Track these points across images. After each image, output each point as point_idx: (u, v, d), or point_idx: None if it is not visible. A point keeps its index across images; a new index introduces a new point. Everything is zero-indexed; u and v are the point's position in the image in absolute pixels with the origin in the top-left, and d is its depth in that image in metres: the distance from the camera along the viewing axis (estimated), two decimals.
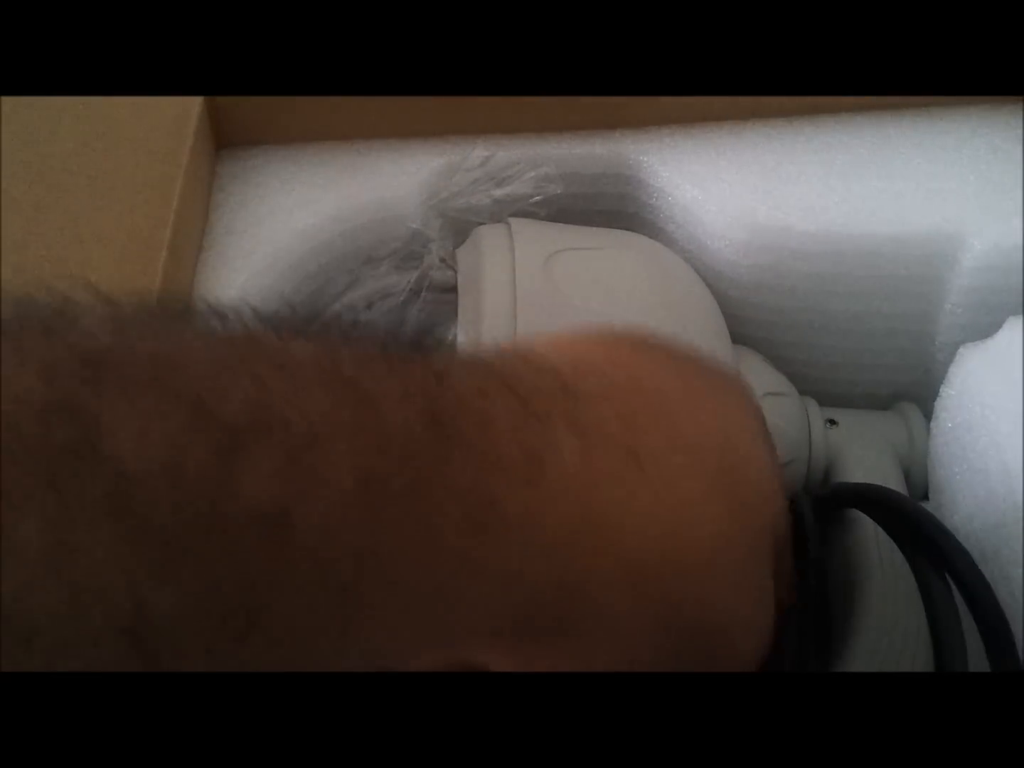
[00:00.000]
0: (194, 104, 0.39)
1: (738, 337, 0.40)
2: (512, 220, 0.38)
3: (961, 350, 0.36)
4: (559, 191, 0.41)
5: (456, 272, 0.37)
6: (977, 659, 0.27)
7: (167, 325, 0.17)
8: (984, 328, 0.36)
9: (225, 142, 0.42)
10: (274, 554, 0.15)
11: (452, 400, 0.17)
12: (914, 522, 0.30)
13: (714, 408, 0.22)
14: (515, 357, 0.20)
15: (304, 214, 0.40)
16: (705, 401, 0.22)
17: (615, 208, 0.44)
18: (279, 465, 0.15)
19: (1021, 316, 0.35)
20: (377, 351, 0.18)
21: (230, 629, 0.15)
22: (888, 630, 0.31)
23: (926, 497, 0.38)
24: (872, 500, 0.32)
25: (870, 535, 0.33)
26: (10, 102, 0.36)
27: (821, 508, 0.33)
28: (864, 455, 0.39)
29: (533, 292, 0.34)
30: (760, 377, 0.39)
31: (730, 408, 0.23)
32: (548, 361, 0.20)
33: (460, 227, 0.41)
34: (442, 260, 0.38)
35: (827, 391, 0.42)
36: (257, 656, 0.15)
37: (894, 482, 0.38)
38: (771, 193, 0.39)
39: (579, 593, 0.19)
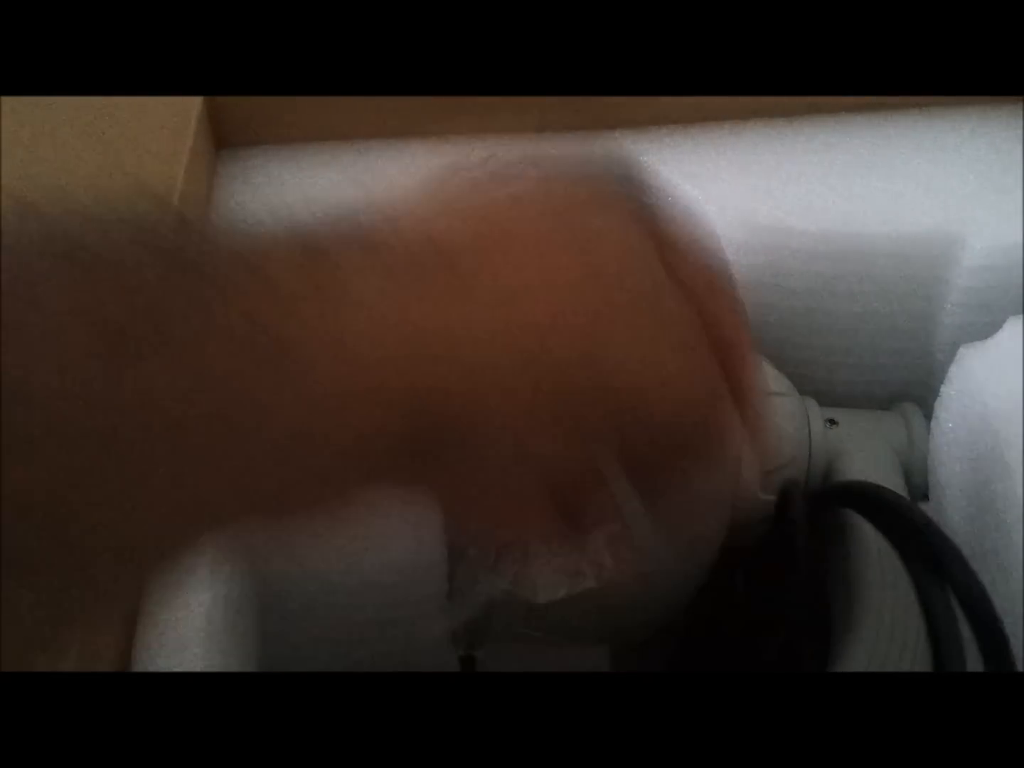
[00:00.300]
0: (194, 104, 0.39)
1: None
2: None
3: (961, 350, 0.36)
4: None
5: None
6: (977, 659, 0.27)
7: None
8: (984, 328, 0.36)
9: (225, 142, 0.42)
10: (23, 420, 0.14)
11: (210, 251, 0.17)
12: (907, 523, 0.30)
13: (583, 247, 0.21)
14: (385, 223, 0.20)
15: (304, 214, 0.39)
16: (574, 244, 0.21)
17: None
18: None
19: (1021, 316, 0.35)
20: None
21: None
22: (887, 631, 0.31)
23: (926, 497, 0.38)
24: (868, 501, 0.32)
25: (869, 536, 0.33)
26: (10, 102, 0.36)
27: (818, 507, 0.33)
28: (864, 455, 0.39)
29: None
30: (760, 377, 0.39)
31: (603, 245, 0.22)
32: (423, 228, 0.20)
33: None
34: None
35: (827, 391, 0.42)
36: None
37: (894, 482, 0.38)
38: (771, 193, 0.39)
39: (456, 405, 0.18)
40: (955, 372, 0.36)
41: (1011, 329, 0.35)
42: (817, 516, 0.33)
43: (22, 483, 0.14)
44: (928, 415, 0.38)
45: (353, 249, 0.19)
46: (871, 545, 0.33)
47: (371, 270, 0.18)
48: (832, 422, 0.40)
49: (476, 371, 0.18)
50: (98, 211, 0.16)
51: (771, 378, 0.39)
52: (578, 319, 0.20)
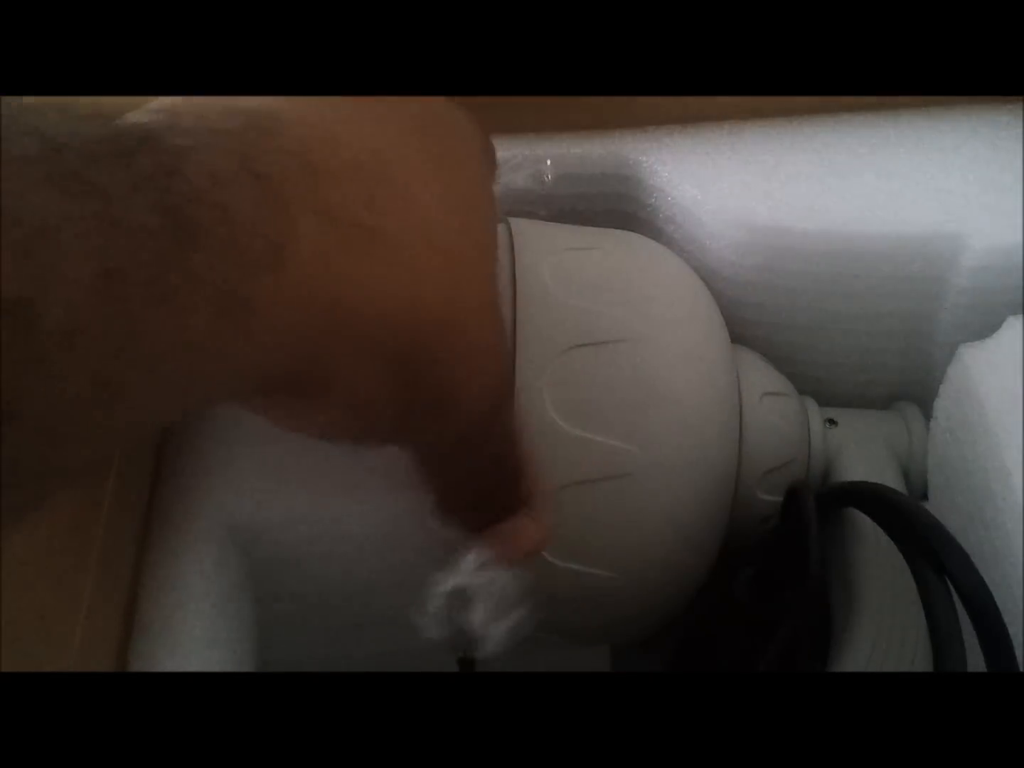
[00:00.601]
0: None
1: (738, 337, 0.40)
2: (512, 220, 0.38)
3: (961, 350, 0.36)
4: (560, 188, 0.41)
5: None
6: (977, 659, 0.27)
7: None
8: (984, 328, 0.36)
9: None
10: (26, 345, 0.15)
11: (186, 191, 0.17)
12: (912, 522, 0.30)
13: (451, 179, 0.24)
14: (259, 133, 0.20)
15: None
16: (442, 173, 0.24)
17: (615, 208, 0.44)
18: (16, 258, 0.15)
19: (1021, 316, 0.35)
20: (105, 147, 0.18)
21: None
22: (888, 630, 0.31)
23: (926, 497, 0.38)
24: (871, 499, 0.32)
25: (870, 535, 0.33)
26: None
27: (821, 507, 0.33)
28: (864, 455, 0.39)
29: (533, 292, 0.34)
30: (760, 377, 0.39)
31: (465, 173, 0.25)
32: (294, 137, 0.20)
33: None
34: None
35: (827, 391, 0.42)
36: (16, 445, 0.16)
37: (894, 482, 0.38)
38: (771, 193, 0.39)
39: (319, 367, 0.20)
40: (954, 372, 0.36)
41: (1011, 329, 0.35)
42: (821, 515, 0.33)
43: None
44: (928, 415, 0.38)
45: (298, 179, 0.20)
46: (872, 544, 0.33)
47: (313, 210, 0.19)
48: (832, 422, 0.40)
49: (353, 349, 0.21)
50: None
51: (771, 378, 0.39)
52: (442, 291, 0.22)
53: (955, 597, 0.28)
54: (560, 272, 0.35)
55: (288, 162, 0.20)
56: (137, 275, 0.16)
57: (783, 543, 0.35)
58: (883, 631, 0.31)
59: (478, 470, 0.27)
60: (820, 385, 0.42)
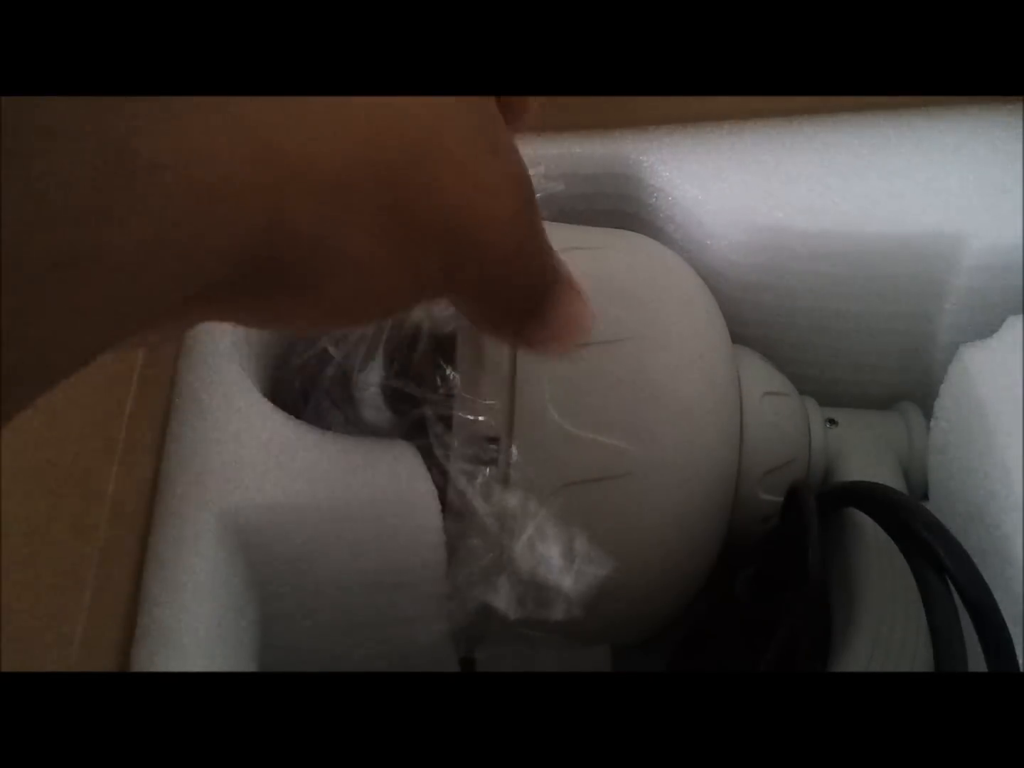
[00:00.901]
0: None
1: (738, 337, 0.40)
2: None
3: (961, 350, 0.36)
4: (560, 188, 0.41)
5: None
6: (977, 659, 0.27)
7: None
8: (984, 328, 0.36)
9: None
10: None
11: None
12: (912, 522, 0.30)
13: None
14: None
15: None
16: None
17: (615, 208, 0.44)
18: None
19: (1021, 316, 0.35)
20: None
21: None
22: (888, 630, 0.31)
23: (926, 497, 0.38)
24: (871, 499, 0.32)
25: (870, 535, 0.33)
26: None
27: (821, 507, 0.33)
28: (864, 455, 0.39)
29: None
30: (760, 377, 0.39)
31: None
32: None
33: None
34: None
35: (827, 391, 0.42)
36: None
37: (894, 482, 0.38)
38: (771, 193, 0.39)
39: (298, 244, 0.17)
40: (954, 372, 0.36)
41: (1011, 329, 0.35)
42: (821, 515, 0.33)
43: None
44: (928, 415, 0.38)
45: None
46: (872, 544, 0.33)
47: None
48: (832, 422, 0.40)
49: (326, 193, 0.17)
50: None
51: (771, 378, 0.39)
52: (413, 120, 0.19)
53: (955, 597, 0.28)
54: None
55: None
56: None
57: (783, 543, 0.35)
58: (883, 631, 0.31)
59: (514, 296, 0.23)
60: (820, 385, 0.42)
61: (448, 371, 0.34)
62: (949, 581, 0.28)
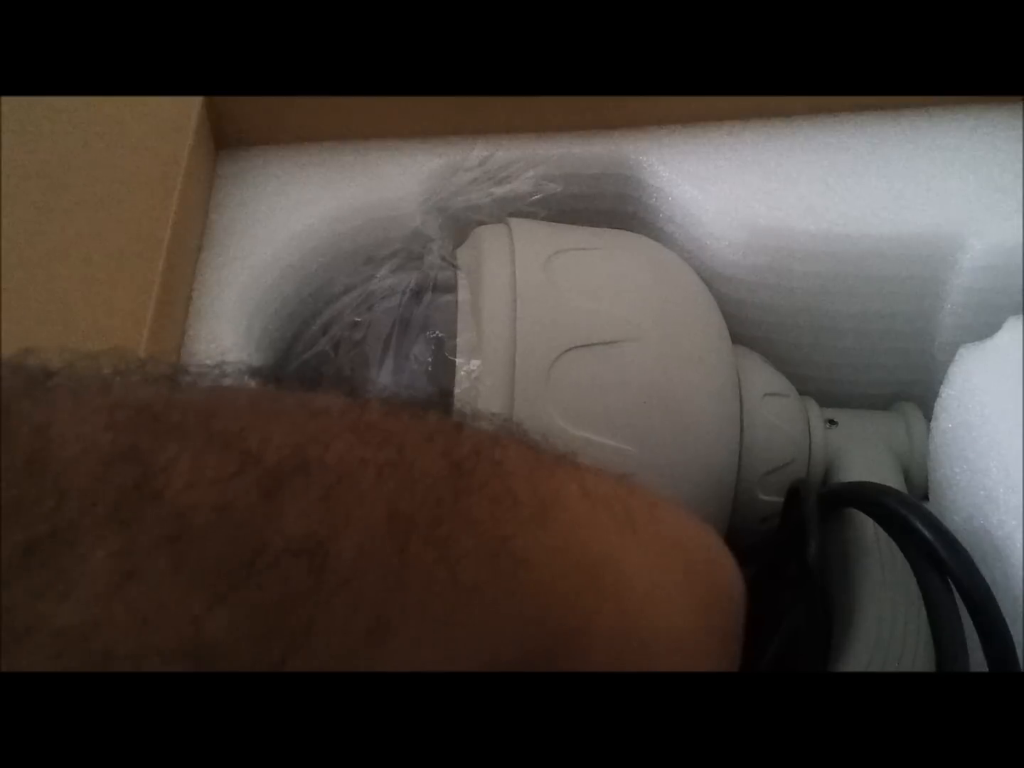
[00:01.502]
0: (194, 104, 0.39)
1: (738, 337, 0.40)
2: (512, 220, 0.38)
3: (961, 350, 0.36)
4: (558, 189, 0.41)
5: (457, 271, 0.37)
6: (977, 659, 0.27)
7: (207, 379, 0.19)
8: (984, 328, 0.36)
9: (225, 142, 0.42)
10: (312, 582, 0.16)
11: (470, 446, 0.19)
12: (912, 522, 0.30)
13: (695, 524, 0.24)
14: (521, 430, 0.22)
15: (304, 214, 0.40)
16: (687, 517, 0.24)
17: (615, 208, 0.44)
18: (316, 502, 0.16)
19: (1021, 316, 0.35)
20: (399, 403, 0.19)
21: (275, 649, 0.16)
22: (888, 630, 0.31)
23: (926, 497, 0.38)
24: (871, 499, 0.32)
25: (870, 535, 0.33)
26: (10, 102, 0.36)
27: (821, 508, 0.33)
28: (864, 455, 0.39)
29: (533, 292, 0.34)
30: (760, 377, 0.39)
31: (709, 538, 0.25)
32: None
33: (460, 227, 0.41)
34: (443, 259, 0.38)
35: (827, 391, 0.42)
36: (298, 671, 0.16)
37: (894, 482, 0.38)
38: (771, 193, 0.39)
39: (573, 639, 0.20)
40: (955, 372, 0.36)
41: (1011, 329, 0.35)
42: (821, 515, 0.33)
43: None
44: (928, 415, 0.38)
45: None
46: (872, 544, 0.33)
47: None
48: (832, 422, 0.40)
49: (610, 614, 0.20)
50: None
51: (771, 378, 0.39)
52: None
53: (956, 597, 0.28)
54: (560, 272, 0.35)
55: (549, 446, 0.21)
56: (419, 518, 0.17)
57: (783, 543, 0.35)
58: (884, 631, 0.31)
59: None
60: (820, 385, 0.42)
61: (448, 371, 0.34)
62: (950, 581, 0.28)
